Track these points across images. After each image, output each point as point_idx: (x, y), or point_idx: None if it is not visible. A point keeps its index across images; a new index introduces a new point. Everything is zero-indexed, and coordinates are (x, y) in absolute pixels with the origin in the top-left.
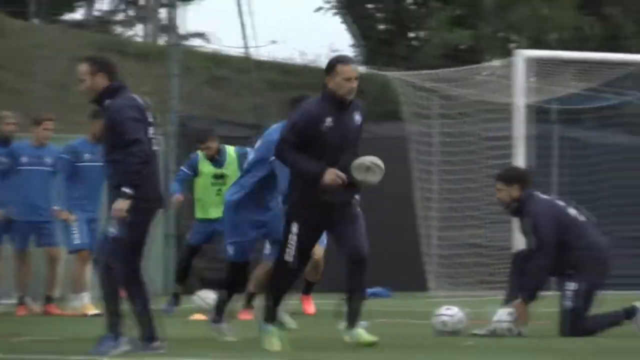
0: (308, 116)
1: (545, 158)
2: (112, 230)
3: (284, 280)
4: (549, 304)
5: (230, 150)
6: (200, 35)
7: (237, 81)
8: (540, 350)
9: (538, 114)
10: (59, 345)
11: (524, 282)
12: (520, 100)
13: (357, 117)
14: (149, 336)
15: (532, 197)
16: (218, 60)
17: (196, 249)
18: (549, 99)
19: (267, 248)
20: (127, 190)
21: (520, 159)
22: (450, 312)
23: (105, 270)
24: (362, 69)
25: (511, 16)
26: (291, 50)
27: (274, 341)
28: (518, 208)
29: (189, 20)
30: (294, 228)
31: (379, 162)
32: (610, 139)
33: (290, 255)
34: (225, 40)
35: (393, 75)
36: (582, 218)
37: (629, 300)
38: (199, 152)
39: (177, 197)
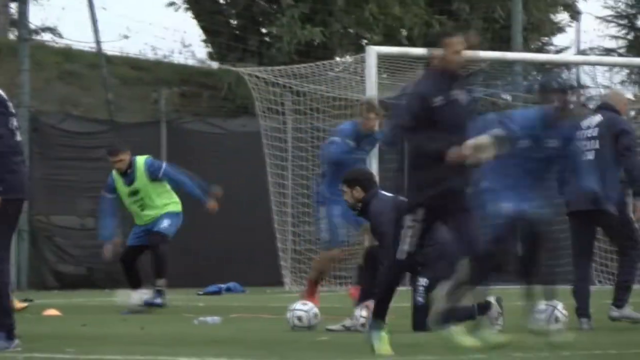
0: (418, 97)
1: (397, 154)
2: None
3: (397, 277)
4: (398, 298)
5: (140, 162)
6: (50, 30)
7: (88, 76)
8: (392, 345)
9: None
10: None
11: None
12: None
13: (466, 95)
14: (10, 334)
15: (375, 197)
16: (69, 55)
17: (133, 249)
18: (400, 95)
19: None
20: None
21: (371, 156)
22: (306, 307)
23: None
24: (214, 64)
25: (361, 13)
26: (143, 46)
27: (383, 347)
28: (363, 208)
29: (38, 14)
30: (420, 214)
31: (491, 138)
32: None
33: (411, 245)
34: (75, 35)
35: (245, 70)
36: None
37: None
38: (113, 171)
39: (108, 247)
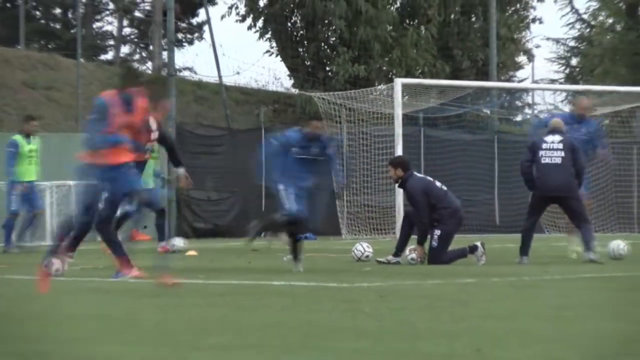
0: None
1: (415, 149)
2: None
3: None
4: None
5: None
6: (188, 69)
7: (213, 99)
8: (414, 273)
9: (410, 120)
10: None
11: (418, 232)
12: (398, 111)
13: None
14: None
15: (411, 176)
16: (200, 85)
17: None
18: (417, 110)
19: None
20: None
21: (399, 150)
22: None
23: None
24: (294, 91)
25: (391, 56)
26: (249, 79)
27: None
28: (402, 183)
29: (181, 58)
30: None
31: None
32: (457, 136)
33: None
34: (205, 71)
35: (314, 94)
36: (444, 188)
37: (472, 240)
38: None
39: None
